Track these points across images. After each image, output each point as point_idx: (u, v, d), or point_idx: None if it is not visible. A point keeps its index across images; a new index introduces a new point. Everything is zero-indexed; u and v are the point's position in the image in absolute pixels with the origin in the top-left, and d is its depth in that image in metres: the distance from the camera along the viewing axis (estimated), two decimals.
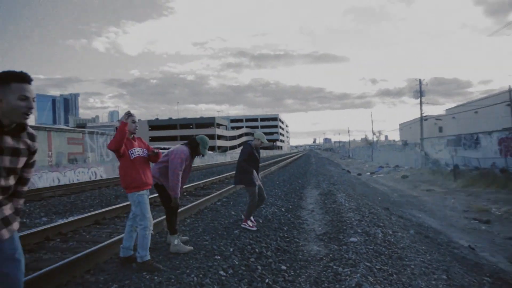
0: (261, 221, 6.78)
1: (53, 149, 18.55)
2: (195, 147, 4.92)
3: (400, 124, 61.74)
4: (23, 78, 1.93)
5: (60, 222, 6.16)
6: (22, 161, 2.02)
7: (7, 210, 2.00)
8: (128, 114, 3.92)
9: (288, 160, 36.52)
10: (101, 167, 22.33)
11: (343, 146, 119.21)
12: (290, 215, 7.83)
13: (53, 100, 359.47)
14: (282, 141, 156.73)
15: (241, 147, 6.23)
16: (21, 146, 1.99)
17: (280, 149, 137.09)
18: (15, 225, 2.05)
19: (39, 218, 8.11)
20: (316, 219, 7.70)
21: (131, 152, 3.98)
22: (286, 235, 6.10)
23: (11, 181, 1.99)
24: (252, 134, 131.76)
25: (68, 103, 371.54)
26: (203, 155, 5.07)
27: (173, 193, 4.62)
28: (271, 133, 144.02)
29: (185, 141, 5.02)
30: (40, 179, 17.24)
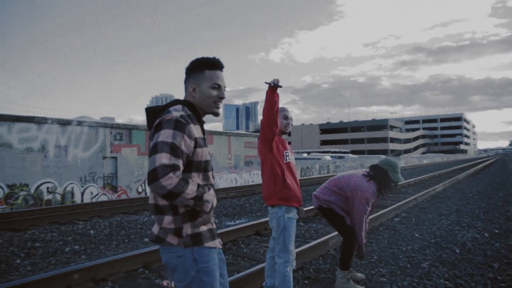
0: (457, 250, 5.00)
1: (232, 152, 20.00)
2: (383, 178, 3.48)
3: None
4: (216, 65, 1.81)
5: (222, 230, 5.83)
6: None
7: None
8: (276, 83, 2.76)
9: (478, 167, 30.47)
10: None
11: None
12: (499, 244, 5.66)
13: (237, 108, 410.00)
14: (467, 143, 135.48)
15: None
16: (204, 136, 1.82)
17: (463, 153, 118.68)
18: None
19: None
20: None
21: (286, 154, 3.07)
22: (499, 277, 4.21)
23: None
24: (430, 137, 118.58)
25: (249, 111, 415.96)
26: (396, 184, 3.54)
27: (360, 240, 3.55)
28: (453, 135, 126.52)
29: (366, 172, 3.64)
30: (221, 179, 18.79)
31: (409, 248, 5.03)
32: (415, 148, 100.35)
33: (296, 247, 5.06)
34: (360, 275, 3.92)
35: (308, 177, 21.54)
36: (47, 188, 12.38)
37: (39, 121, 12.38)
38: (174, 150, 1.58)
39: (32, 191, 11.98)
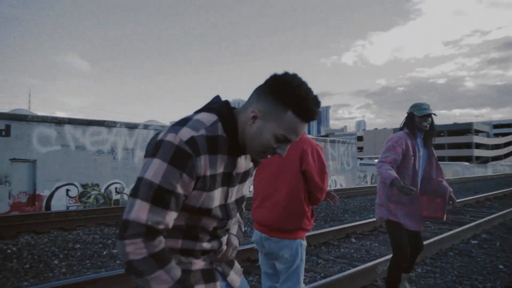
0: None
1: None
2: (410, 120, 3.05)
3: None
4: (308, 116, 1.12)
5: (247, 246, 4.98)
6: (249, 184, 1.37)
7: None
8: None
9: None
10: (341, 175, 21.78)
11: None
12: None
13: None
14: None
15: None
16: (250, 164, 1.32)
17: None
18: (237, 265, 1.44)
19: None
20: None
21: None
22: None
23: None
24: None
25: (320, 115, 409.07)
26: (426, 124, 2.97)
27: (387, 180, 2.77)
28: None
29: None
30: None
31: (489, 285, 3.76)
32: (506, 155, 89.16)
33: (339, 271, 4.14)
34: None
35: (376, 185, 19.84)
36: (116, 188, 12.85)
37: (109, 125, 12.90)
38: (159, 197, 1.05)
39: (102, 190, 12.50)
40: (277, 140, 1.13)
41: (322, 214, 9.24)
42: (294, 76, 1.11)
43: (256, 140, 1.13)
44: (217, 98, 1.23)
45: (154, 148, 1.08)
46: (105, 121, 12.89)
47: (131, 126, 13.48)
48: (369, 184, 21.29)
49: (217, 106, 1.18)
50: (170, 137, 1.06)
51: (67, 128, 11.89)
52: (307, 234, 5.51)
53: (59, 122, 11.71)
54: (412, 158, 2.99)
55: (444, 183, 3.07)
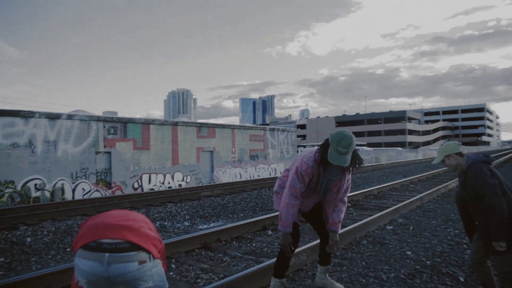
0: (462, 278, 3.50)
1: (236, 146, 18.80)
2: (323, 152, 2.66)
3: None
4: None
5: (173, 239, 4.49)
6: None
7: None
8: None
9: (501, 159, 27.91)
10: (281, 163, 21.80)
11: None
12: None
13: (254, 102, 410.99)
14: (489, 135, 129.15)
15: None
16: None
17: (486, 145, 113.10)
18: None
19: (181, 222, 7.04)
20: None
21: None
22: None
23: None
24: (450, 128, 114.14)
25: (266, 105, 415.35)
26: (334, 165, 2.63)
27: (280, 225, 2.77)
28: (475, 126, 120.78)
29: None
30: (224, 174, 17.66)
31: (392, 275, 3.52)
32: (435, 140, 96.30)
33: (242, 269, 3.72)
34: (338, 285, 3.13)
35: None
36: (35, 185, 11.58)
37: (26, 115, 11.54)
38: None
39: (19, 188, 11.17)
40: None
41: (252, 204, 8.87)
42: None
43: None
44: None
45: None
46: (20, 111, 11.49)
47: (53, 117, 12.16)
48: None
49: None
50: None
51: None
52: (220, 228, 5.17)
53: None
54: (313, 186, 2.82)
55: (337, 220, 2.87)
